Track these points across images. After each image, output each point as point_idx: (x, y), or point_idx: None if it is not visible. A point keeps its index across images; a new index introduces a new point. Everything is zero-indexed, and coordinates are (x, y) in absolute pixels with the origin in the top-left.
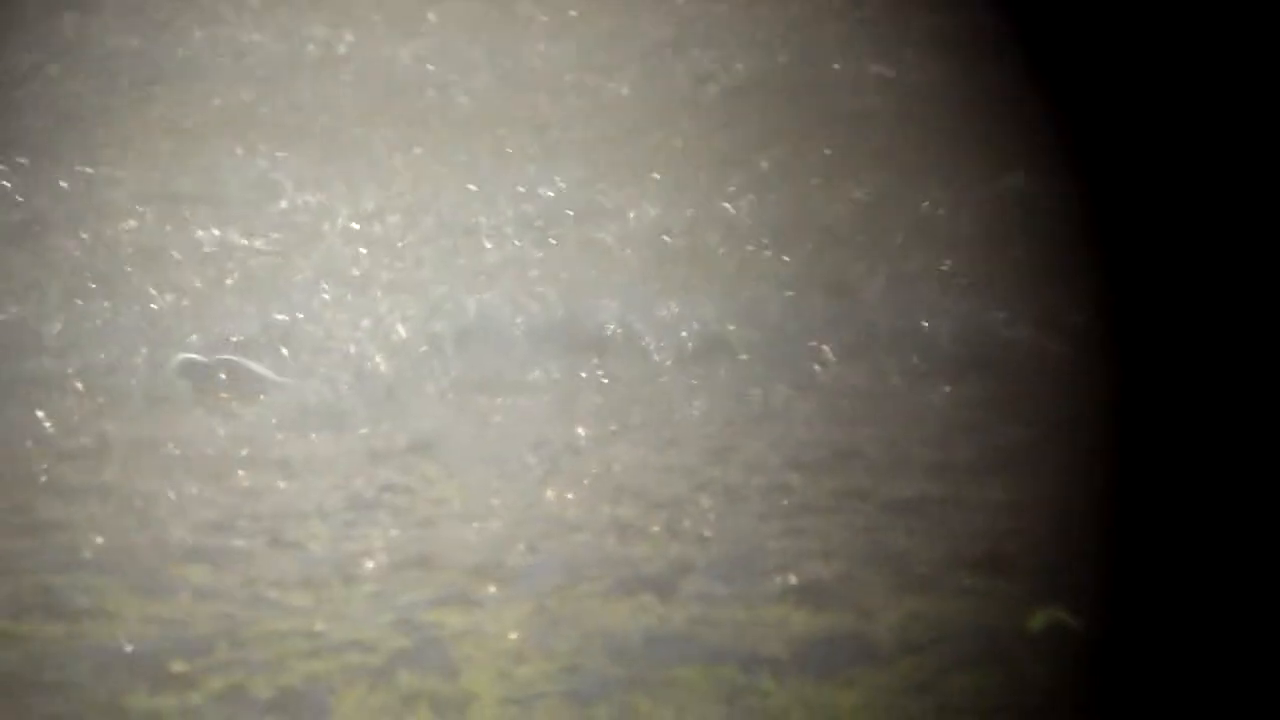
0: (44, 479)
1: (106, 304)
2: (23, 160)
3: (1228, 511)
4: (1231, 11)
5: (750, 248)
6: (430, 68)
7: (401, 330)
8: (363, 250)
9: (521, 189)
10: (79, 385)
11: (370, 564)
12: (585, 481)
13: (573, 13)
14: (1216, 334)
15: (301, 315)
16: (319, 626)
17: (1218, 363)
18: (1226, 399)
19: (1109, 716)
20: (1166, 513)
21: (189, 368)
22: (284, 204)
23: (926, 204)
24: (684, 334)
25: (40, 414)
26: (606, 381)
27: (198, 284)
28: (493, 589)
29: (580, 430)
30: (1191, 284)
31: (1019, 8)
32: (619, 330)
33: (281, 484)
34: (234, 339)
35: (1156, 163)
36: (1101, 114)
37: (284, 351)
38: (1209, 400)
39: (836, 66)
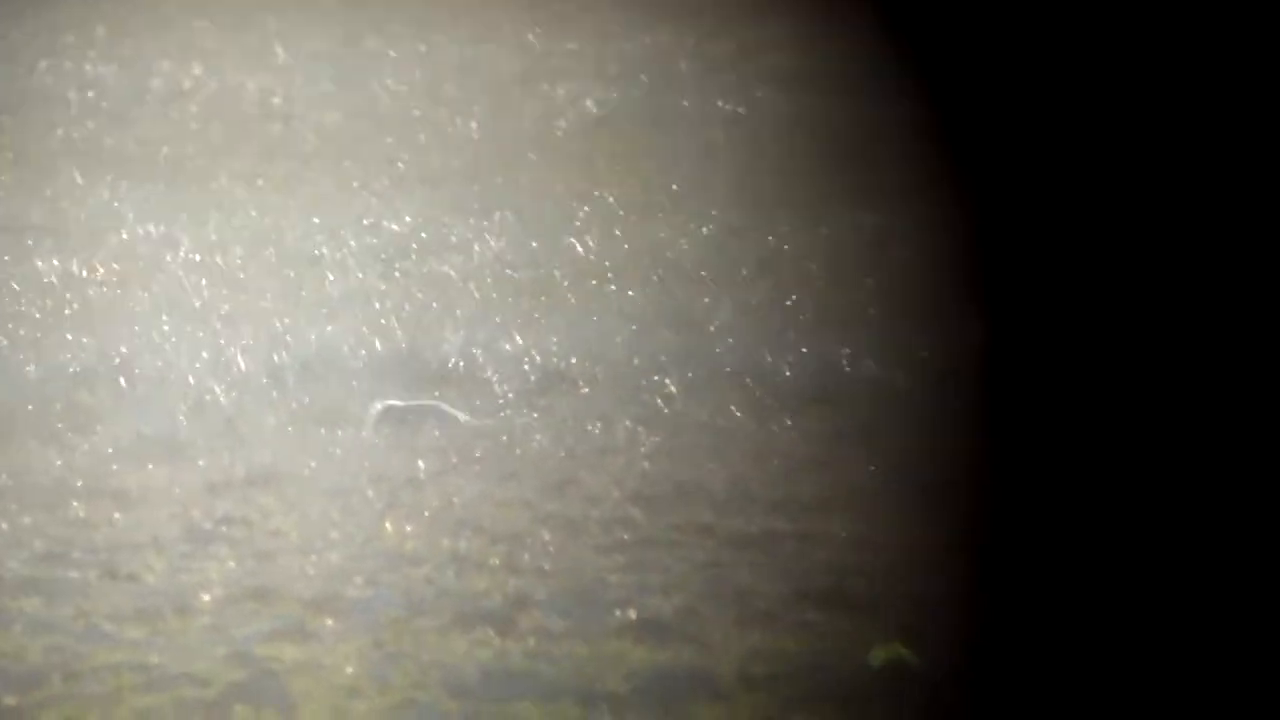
0: None
1: None
2: None
3: (1073, 548)
4: (1079, 51)
5: (594, 282)
6: (277, 101)
7: (242, 362)
8: (203, 281)
9: (367, 222)
10: None
11: (206, 596)
12: (425, 515)
13: (421, 47)
14: (1065, 369)
15: (141, 346)
16: (154, 659)
17: (1065, 397)
18: (1073, 434)
19: None
20: (1009, 550)
21: (27, 397)
22: (125, 235)
23: (772, 239)
24: (526, 367)
25: None
26: (448, 414)
27: (36, 315)
28: (330, 622)
29: (421, 463)
30: (1038, 319)
31: (868, 48)
32: (462, 363)
33: (117, 515)
34: (72, 370)
35: (1005, 200)
36: (949, 152)
37: (122, 382)
38: (1053, 435)
39: (686, 103)
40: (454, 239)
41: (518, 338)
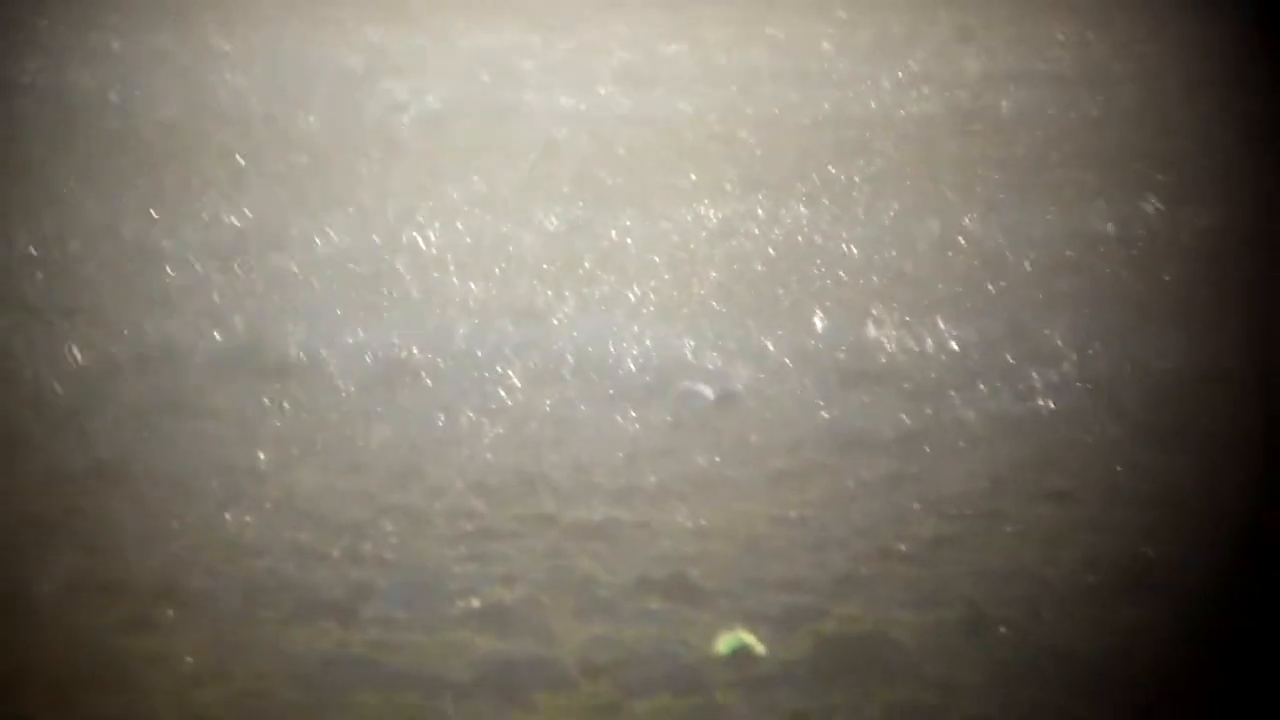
0: None
1: None
2: None
3: (927, 535)
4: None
5: (437, 275)
6: (114, 96)
7: (79, 356)
8: (40, 275)
9: (206, 216)
10: None
11: (48, 588)
12: (266, 506)
13: (261, 43)
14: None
15: None
16: None
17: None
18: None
19: None
20: (857, 537)
21: None
22: None
23: (615, 232)
24: (368, 359)
25: None
26: (289, 407)
27: None
28: (171, 613)
29: (261, 455)
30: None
31: (713, 46)
32: (303, 356)
33: None
34: None
35: (844, 188)
36: (791, 143)
37: None
38: (895, 418)
39: (529, 97)
40: (295, 233)
41: (359, 330)
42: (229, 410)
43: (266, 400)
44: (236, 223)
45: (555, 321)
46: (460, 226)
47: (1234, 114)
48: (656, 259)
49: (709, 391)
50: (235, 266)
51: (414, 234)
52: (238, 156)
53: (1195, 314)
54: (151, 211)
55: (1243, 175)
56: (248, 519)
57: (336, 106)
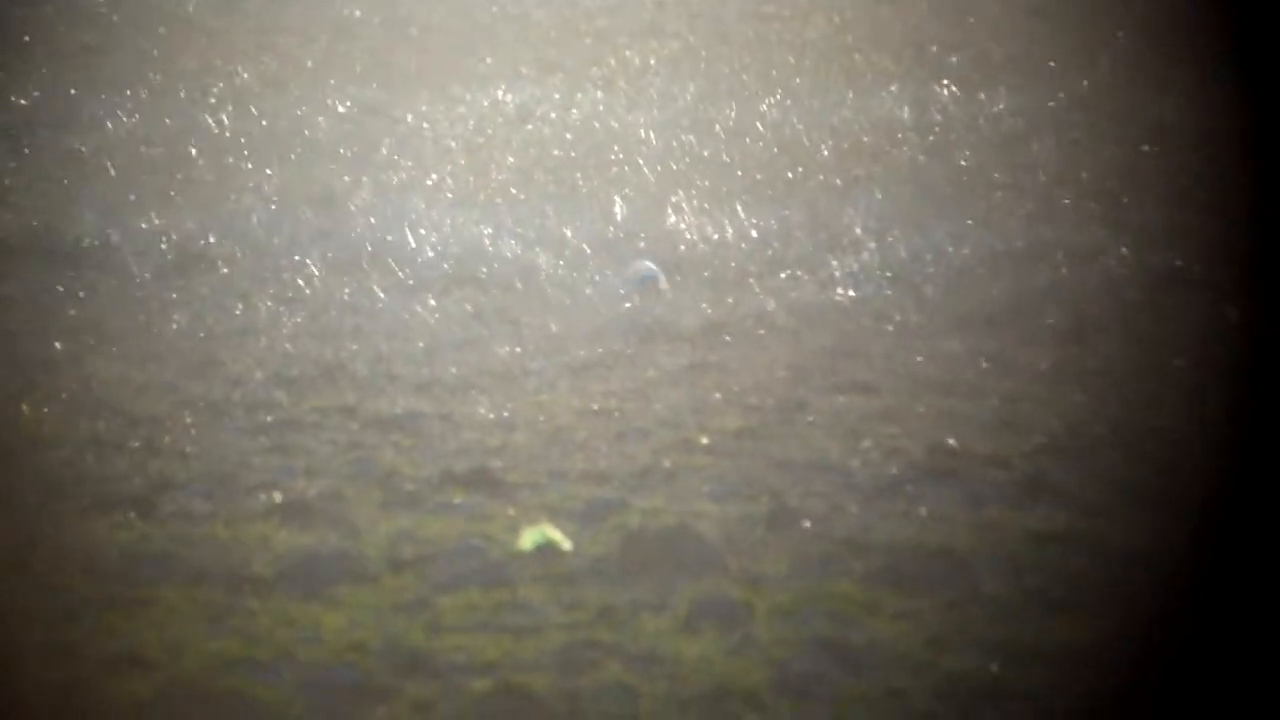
0: None
1: None
2: None
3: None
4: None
5: (231, 159)
6: None
7: None
8: None
9: None
10: None
11: None
12: (63, 396)
13: None
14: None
15: None
16: None
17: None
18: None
19: (597, 634)
20: (648, 421)
21: None
22: None
23: (411, 117)
24: (163, 246)
25: None
26: (84, 295)
27: None
28: None
29: (57, 345)
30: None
31: None
32: (96, 242)
33: None
34: None
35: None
36: (586, 25)
37: None
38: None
39: None
40: (86, 115)
41: (154, 217)
42: (21, 298)
43: (60, 288)
44: (23, 103)
45: (353, 208)
46: (254, 110)
47: None
48: (453, 144)
49: (510, 280)
50: (24, 149)
51: (206, 117)
52: (24, 35)
53: (989, 200)
54: None
55: (1035, 57)
56: (45, 410)
57: None
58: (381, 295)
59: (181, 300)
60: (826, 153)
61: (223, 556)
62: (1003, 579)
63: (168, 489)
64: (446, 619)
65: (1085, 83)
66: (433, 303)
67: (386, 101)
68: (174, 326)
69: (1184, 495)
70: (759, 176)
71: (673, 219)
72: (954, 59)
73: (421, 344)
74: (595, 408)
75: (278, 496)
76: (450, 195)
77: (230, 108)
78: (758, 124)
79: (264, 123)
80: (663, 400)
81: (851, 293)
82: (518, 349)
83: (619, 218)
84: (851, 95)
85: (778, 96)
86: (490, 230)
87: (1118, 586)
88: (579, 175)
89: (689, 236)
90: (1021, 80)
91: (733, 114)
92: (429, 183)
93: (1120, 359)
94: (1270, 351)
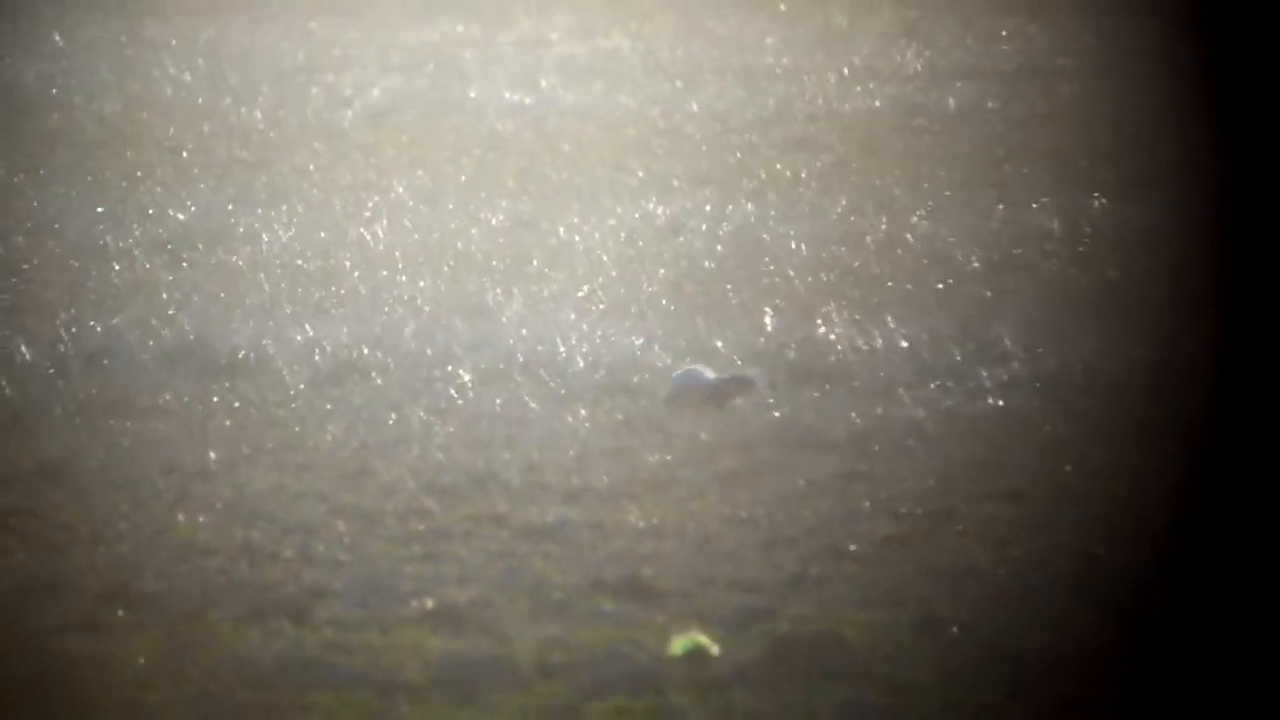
0: None
1: None
2: None
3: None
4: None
5: (385, 272)
6: (55, 90)
7: (26, 353)
8: None
9: (152, 211)
10: None
11: None
12: (218, 506)
13: (204, 36)
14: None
15: None
16: None
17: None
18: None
19: None
20: (805, 532)
21: None
22: None
23: (563, 229)
24: (317, 357)
25: None
26: (238, 405)
27: None
28: (122, 614)
29: (212, 454)
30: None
31: (652, 38)
32: (251, 353)
33: None
34: None
35: (794, 196)
36: (737, 139)
37: None
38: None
39: (473, 94)
40: (241, 229)
41: (307, 327)
42: (177, 409)
43: (215, 398)
44: (181, 218)
45: (504, 320)
46: (408, 223)
47: (1172, 106)
48: (605, 257)
49: (661, 390)
50: (182, 263)
51: (361, 230)
52: (182, 151)
53: (1142, 312)
54: (97, 207)
55: (1183, 169)
56: (200, 519)
57: (281, 99)
58: (533, 405)
59: (335, 410)
60: (976, 264)
61: (376, 663)
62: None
63: (322, 597)
64: None
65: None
66: (584, 412)
67: (538, 214)
68: (328, 436)
69: None
70: (909, 287)
71: (823, 329)
72: (1104, 171)
73: (572, 453)
74: (744, 516)
75: (430, 603)
76: (601, 306)
77: (384, 220)
78: (908, 235)
79: (416, 235)
80: (811, 508)
81: (1001, 403)
82: (668, 457)
83: (769, 327)
84: (1001, 207)
85: (928, 208)
86: (641, 340)
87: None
88: (729, 286)
89: (839, 347)
90: (1170, 193)
91: (883, 226)
92: (580, 294)
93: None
94: None
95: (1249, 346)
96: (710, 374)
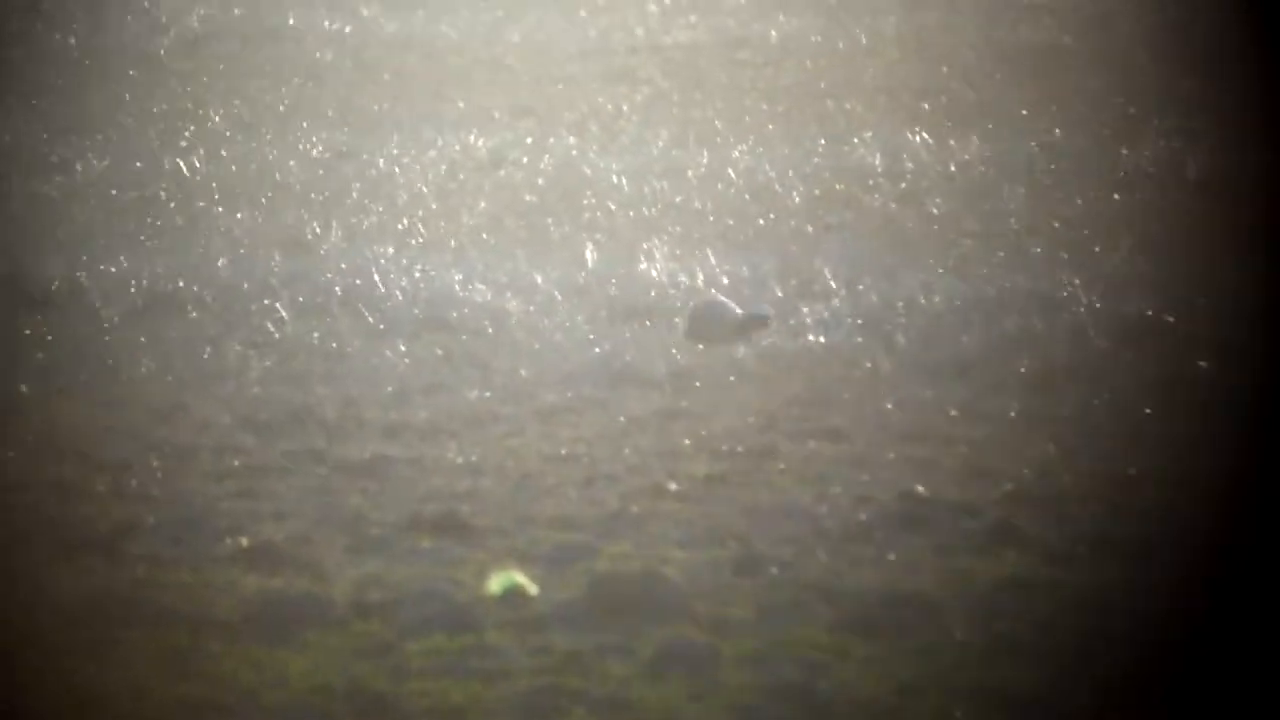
0: None
1: None
2: None
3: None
4: None
5: (201, 203)
6: None
7: None
8: None
9: None
10: None
11: None
12: (29, 440)
13: None
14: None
15: None
16: None
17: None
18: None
19: (563, 679)
20: (621, 465)
21: None
22: None
23: (383, 161)
24: (132, 290)
25: None
26: (51, 338)
27: None
28: None
29: (23, 388)
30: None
31: None
32: (64, 286)
33: None
34: None
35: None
36: (558, 70)
37: None
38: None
39: (292, 21)
40: (54, 159)
41: (122, 260)
42: None
43: (27, 330)
44: None
45: (322, 252)
46: (224, 153)
47: (998, 41)
48: (425, 189)
49: (481, 325)
50: None
51: (177, 160)
52: None
53: (963, 248)
54: None
55: (1006, 105)
56: (10, 453)
57: (97, 26)
58: (351, 340)
59: (150, 344)
60: (798, 199)
61: (188, 600)
62: (971, 625)
63: (134, 533)
64: (412, 664)
65: (1057, 131)
66: (402, 347)
67: (357, 145)
68: (142, 370)
69: (1152, 542)
70: (730, 223)
71: (644, 264)
72: (926, 106)
73: (390, 388)
74: (564, 453)
75: (245, 541)
76: (421, 240)
77: (200, 151)
78: (730, 170)
79: (234, 167)
80: (632, 446)
81: (822, 339)
82: (487, 394)
83: (590, 263)
84: (824, 142)
85: (750, 143)
86: (460, 275)
87: (1086, 634)
88: (550, 220)
89: (660, 282)
90: (994, 128)
91: (705, 160)
92: (400, 227)
93: (1090, 407)
94: (1239, 399)
95: (1067, 281)
96: (737, 309)
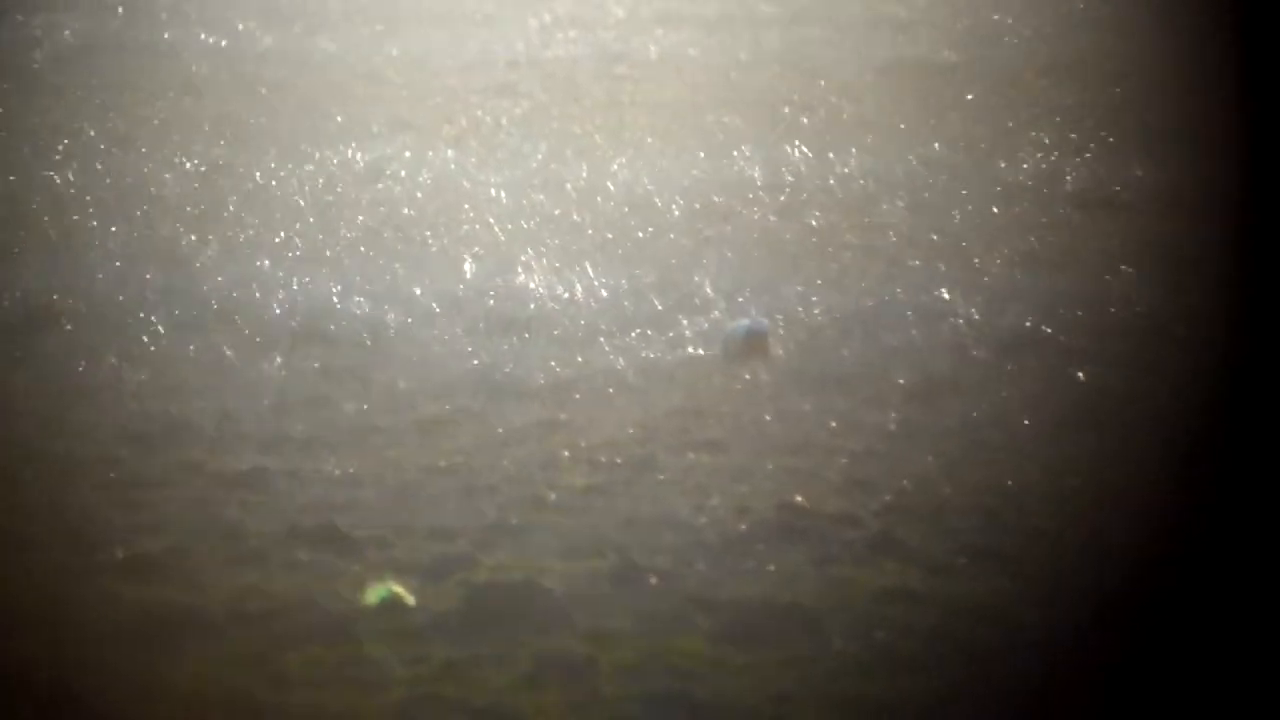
0: None
1: None
2: None
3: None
4: None
5: (76, 216)
6: None
7: None
8: None
9: None
10: None
11: None
12: None
13: None
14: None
15: None
16: None
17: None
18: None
19: (441, 688)
20: (500, 476)
21: None
22: None
23: (259, 175)
24: (6, 303)
25: None
26: None
27: None
28: None
29: None
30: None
31: None
32: None
33: None
34: None
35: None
36: (438, 84)
37: None
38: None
39: (167, 35)
40: None
41: None
42: None
43: None
44: None
45: (199, 266)
46: (99, 166)
47: (878, 56)
48: (302, 202)
49: (360, 338)
50: None
51: (51, 174)
52: None
53: (842, 260)
54: None
55: (886, 119)
56: None
57: None
58: (228, 352)
59: (25, 358)
60: (678, 212)
61: (66, 611)
62: (850, 635)
63: (10, 544)
64: (291, 673)
65: (936, 145)
66: (280, 360)
67: (234, 159)
68: (19, 384)
69: (1031, 554)
70: (609, 235)
71: (522, 277)
72: (805, 120)
73: (268, 401)
74: (443, 464)
75: (121, 552)
76: (298, 253)
77: (75, 165)
78: (609, 183)
79: (109, 180)
80: (511, 457)
81: (701, 351)
82: (365, 406)
83: (468, 275)
84: (703, 155)
85: (629, 156)
86: (339, 288)
87: (964, 644)
88: (429, 233)
89: (539, 294)
90: (873, 141)
91: (584, 173)
92: (277, 240)
93: (969, 419)
94: (1117, 411)
95: (946, 293)
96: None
